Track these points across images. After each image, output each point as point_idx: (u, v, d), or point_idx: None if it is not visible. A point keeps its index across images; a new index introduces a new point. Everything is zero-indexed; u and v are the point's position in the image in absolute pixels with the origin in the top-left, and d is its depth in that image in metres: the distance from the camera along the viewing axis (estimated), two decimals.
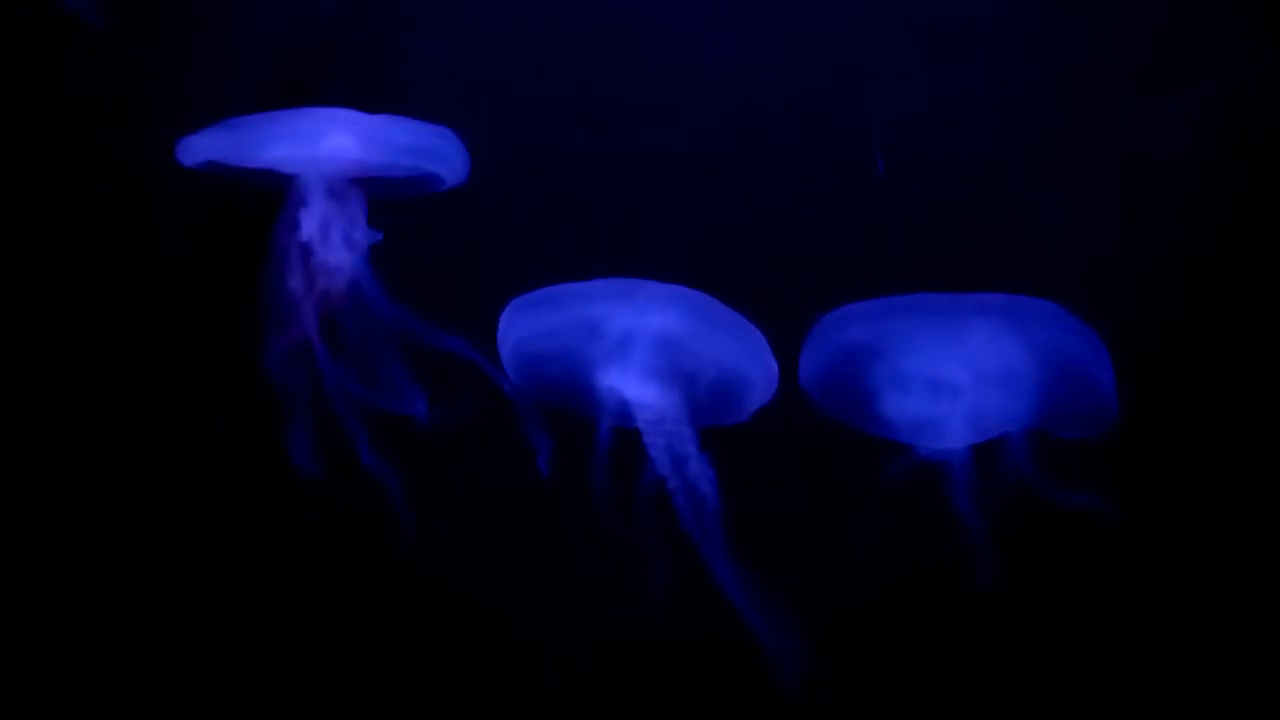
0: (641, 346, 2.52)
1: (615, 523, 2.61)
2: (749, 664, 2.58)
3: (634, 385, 2.55)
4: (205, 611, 2.81)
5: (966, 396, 2.45)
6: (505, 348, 2.63)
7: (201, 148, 2.70)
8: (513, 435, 2.71)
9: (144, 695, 2.81)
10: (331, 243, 2.73)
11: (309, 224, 2.73)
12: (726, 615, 2.60)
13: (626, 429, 2.61)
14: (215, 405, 2.81)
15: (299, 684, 2.80)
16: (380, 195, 2.74)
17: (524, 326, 2.58)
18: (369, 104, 2.68)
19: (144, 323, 2.84)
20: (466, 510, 2.76)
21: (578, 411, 2.62)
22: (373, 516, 2.73)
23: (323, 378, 2.74)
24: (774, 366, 2.54)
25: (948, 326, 2.44)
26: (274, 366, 2.73)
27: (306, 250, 2.74)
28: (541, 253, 2.76)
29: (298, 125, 2.69)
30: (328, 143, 2.66)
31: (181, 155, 2.71)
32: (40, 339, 2.84)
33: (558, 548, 2.73)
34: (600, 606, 2.71)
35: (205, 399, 2.83)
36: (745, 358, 2.52)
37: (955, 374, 2.45)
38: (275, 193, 2.74)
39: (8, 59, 2.80)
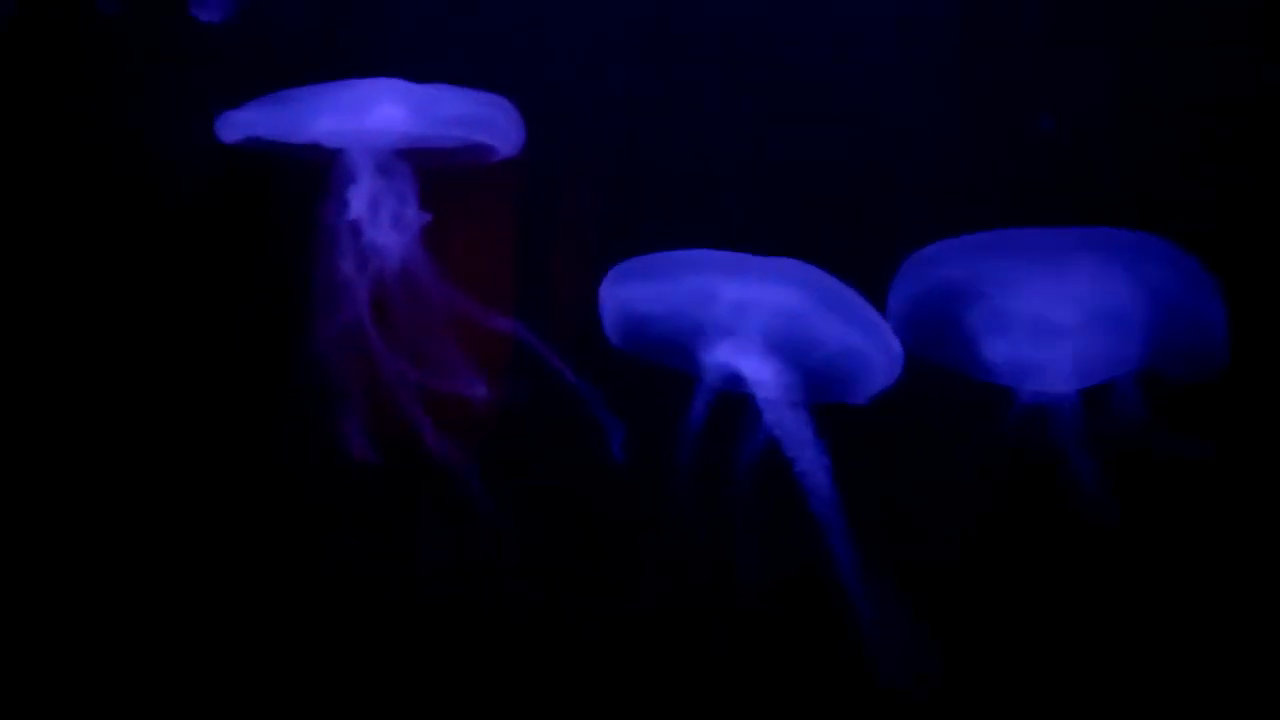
0: (758, 320, 2.38)
1: (701, 500, 2.44)
2: (845, 643, 2.40)
3: (747, 360, 2.40)
4: (271, 604, 2.62)
5: (1072, 337, 2.31)
6: (610, 311, 2.48)
7: (244, 122, 2.57)
8: (577, 417, 2.55)
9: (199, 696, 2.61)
10: (381, 222, 2.57)
11: (358, 202, 2.57)
12: (822, 594, 2.43)
13: (717, 405, 2.46)
14: (264, 393, 2.63)
15: (384, 671, 2.60)
16: (429, 166, 2.61)
17: (633, 293, 2.44)
18: (417, 73, 2.57)
19: (182, 308, 2.68)
20: (538, 494, 2.58)
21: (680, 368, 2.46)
22: (441, 501, 2.55)
23: (376, 362, 2.57)
24: (897, 348, 2.38)
25: (1049, 263, 2.30)
26: (324, 350, 2.56)
27: (356, 230, 2.58)
28: (598, 225, 2.62)
29: (345, 97, 2.56)
30: (377, 114, 2.53)
31: (222, 131, 2.57)
32: (72, 325, 2.69)
33: (633, 529, 2.56)
34: (684, 591, 2.53)
35: (252, 388, 2.65)
36: (864, 338, 2.36)
37: (1060, 313, 2.31)
38: (319, 169, 2.59)
39: (35, 48, 2.63)
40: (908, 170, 2.55)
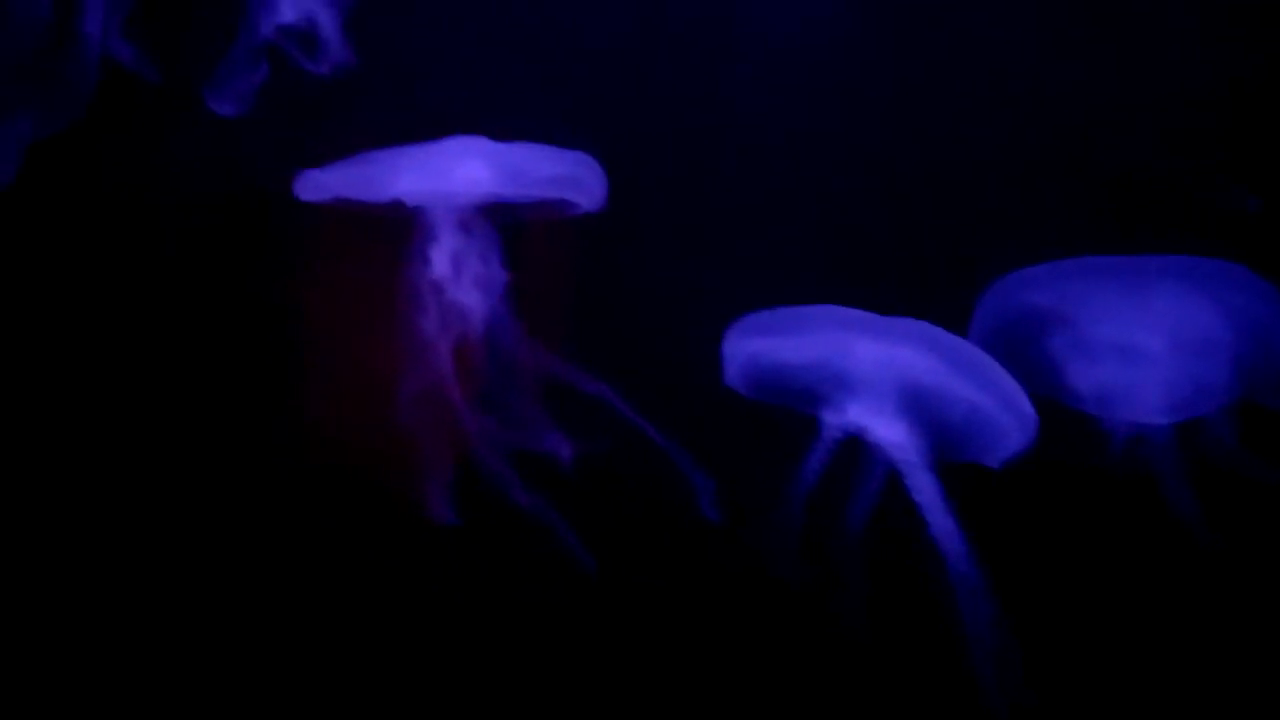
0: (891, 381, 2.37)
1: (809, 558, 2.42)
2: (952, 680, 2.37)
3: (877, 419, 2.39)
4: (358, 667, 2.55)
5: (1160, 364, 2.33)
6: (737, 363, 2.46)
7: (325, 183, 2.57)
8: (665, 475, 2.53)
9: None
10: (464, 282, 2.58)
11: (440, 260, 2.57)
12: (923, 641, 2.41)
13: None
14: (354, 453, 2.60)
15: None
16: (509, 219, 2.62)
17: (763, 347, 2.42)
18: (499, 127, 2.58)
19: (274, 368, 2.66)
20: (631, 552, 2.55)
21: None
22: (533, 560, 2.52)
23: (460, 421, 2.55)
24: (1030, 412, 2.34)
25: (1135, 289, 2.33)
26: (408, 410, 2.54)
27: (438, 289, 2.58)
28: (682, 280, 2.63)
29: (428, 156, 2.57)
30: (460, 174, 2.53)
31: (302, 190, 2.57)
32: (150, 376, 2.67)
33: (734, 587, 2.53)
34: (786, 648, 2.49)
35: (345, 448, 2.62)
36: (996, 401, 2.34)
37: (1146, 340, 2.33)
38: (399, 224, 2.60)
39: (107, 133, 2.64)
40: (988, 198, 2.57)
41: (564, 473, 2.55)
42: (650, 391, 2.56)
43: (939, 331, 2.35)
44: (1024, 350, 2.40)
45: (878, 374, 2.37)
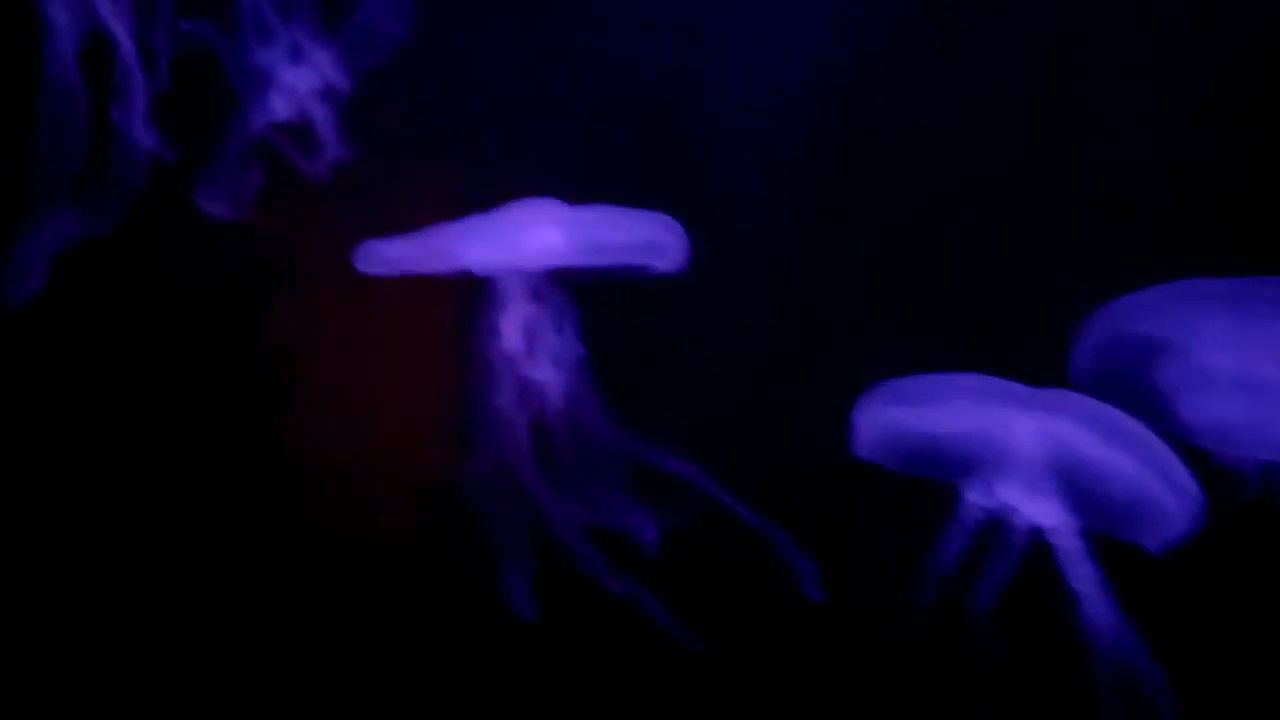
0: (1046, 456, 2.20)
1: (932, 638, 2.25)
2: None
3: (1026, 497, 2.22)
4: None
5: None
6: (874, 432, 2.27)
7: (389, 255, 2.41)
8: (760, 556, 2.37)
9: None
10: (538, 356, 2.41)
11: (511, 332, 2.40)
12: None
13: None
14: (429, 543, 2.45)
15: None
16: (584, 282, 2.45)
17: (905, 418, 2.24)
18: (570, 191, 2.42)
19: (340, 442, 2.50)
20: (736, 634, 2.38)
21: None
22: (625, 648, 2.36)
23: (536, 503, 2.38)
24: (1194, 490, 2.13)
25: (1250, 315, 2.13)
26: (478, 493, 2.38)
27: (511, 362, 2.42)
28: (763, 345, 2.47)
29: (498, 226, 2.41)
30: (533, 242, 2.38)
31: (364, 262, 2.41)
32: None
33: (847, 672, 2.36)
34: None
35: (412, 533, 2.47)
36: (1158, 479, 2.14)
37: (1266, 370, 2.14)
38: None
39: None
40: (1084, 226, 2.42)
41: (650, 556, 2.37)
42: (741, 466, 2.40)
43: (1094, 402, 2.17)
44: (1129, 383, 2.21)
45: (1034, 448, 2.19)
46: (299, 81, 2.40)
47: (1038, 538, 2.18)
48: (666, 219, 2.40)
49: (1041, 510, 2.18)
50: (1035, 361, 2.23)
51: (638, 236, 2.39)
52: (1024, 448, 2.19)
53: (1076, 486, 2.17)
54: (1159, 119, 2.43)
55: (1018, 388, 2.18)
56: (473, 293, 2.42)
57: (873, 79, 2.50)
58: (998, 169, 2.46)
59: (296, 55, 2.40)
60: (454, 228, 2.40)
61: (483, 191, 2.43)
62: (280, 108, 2.40)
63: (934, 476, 2.24)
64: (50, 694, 2.43)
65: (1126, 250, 2.39)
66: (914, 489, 2.23)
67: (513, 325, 2.42)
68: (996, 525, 2.21)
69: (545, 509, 2.39)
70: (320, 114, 2.42)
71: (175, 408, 2.53)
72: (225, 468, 2.51)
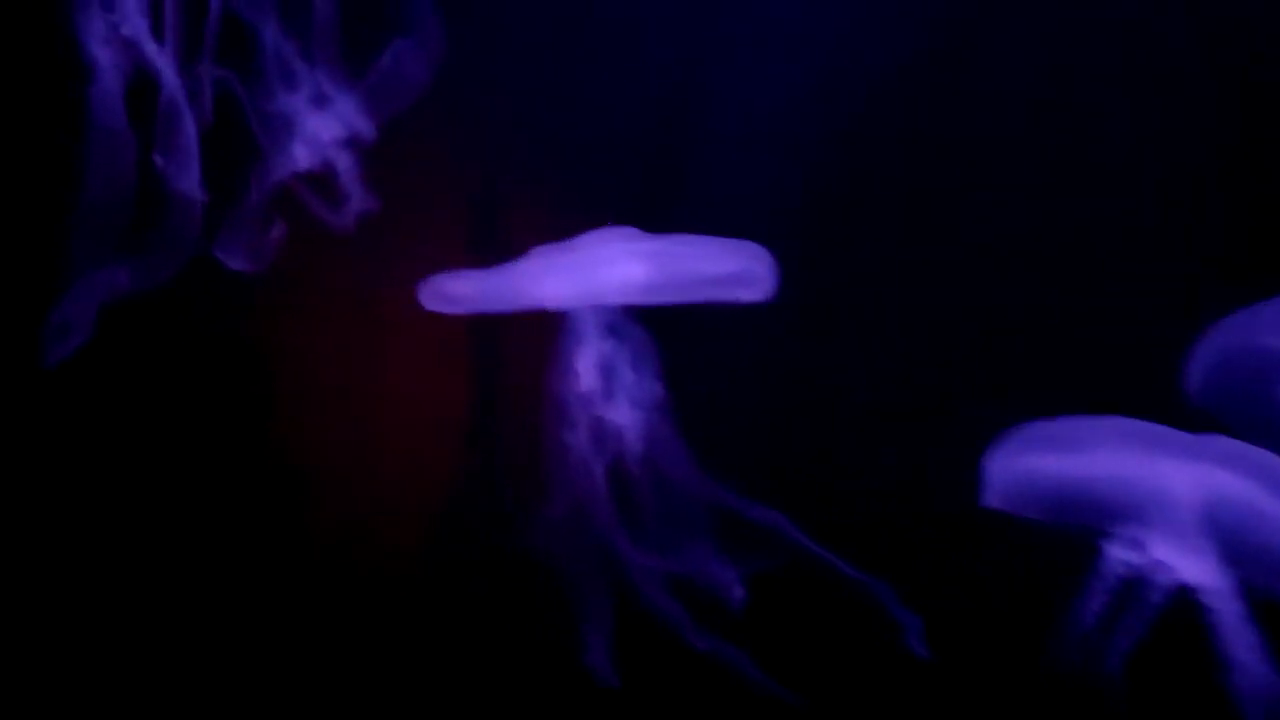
0: (1204, 508, 2.01)
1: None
2: None
3: (1180, 552, 2.03)
4: None
5: None
6: (1003, 483, 2.10)
7: (459, 293, 2.25)
8: (850, 609, 2.20)
9: None
10: (615, 396, 2.25)
11: (587, 371, 2.25)
12: None
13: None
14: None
15: None
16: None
17: (1048, 466, 2.07)
18: (652, 220, 2.27)
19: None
20: (836, 691, 2.22)
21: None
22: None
23: (614, 553, 2.22)
24: None
25: None
26: (552, 541, 2.22)
27: (586, 402, 2.26)
28: (870, 382, 2.30)
29: (575, 258, 2.25)
30: (612, 276, 2.22)
31: (429, 301, 2.26)
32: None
33: None
34: None
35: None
36: None
37: None
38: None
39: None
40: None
41: (737, 612, 2.21)
42: (837, 514, 2.27)
43: (1248, 447, 1.99)
44: (1248, 397, 2.03)
45: (1189, 498, 2.00)
46: (322, 129, 2.22)
47: (1186, 596, 2.00)
48: (754, 246, 2.24)
49: (1194, 566, 2.00)
50: (1166, 401, 2.04)
51: (724, 268, 2.23)
52: (1178, 497, 2.00)
53: (1233, 538, 1.99)
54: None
55: (1167, 431, 2.01)
56: (543, 327, 2.25)
57: (978, 116, 2.32)
58: (1119, 195, 2.28)
59: (320, 101, 2.24)
60: (527, 262, 2.26)
61: (550, 224, 2.29)
62: (303, 157, 2.22)
63: (1070, 528, 2.06)
64: (62, 703, 2.35)
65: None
66: (1045, 540, 2.05)
67: (588, 363, 2.27)
68: (1140, 582, 2.03)
69: (624, 559, 2.25)
70: (344, 163, 2.26)
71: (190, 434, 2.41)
72: (229, 472, 2.40)
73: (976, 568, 2.23)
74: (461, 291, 2.25)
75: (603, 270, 2.23)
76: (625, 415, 2.28)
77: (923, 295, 2.33)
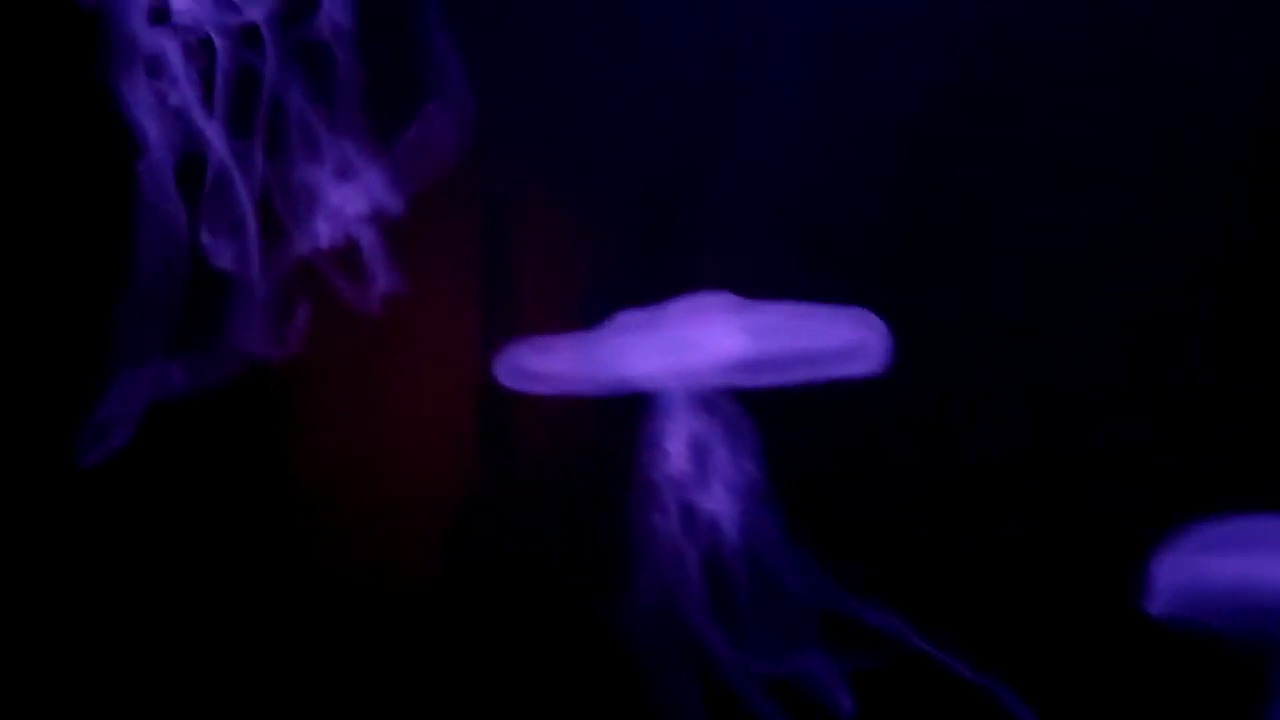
0: None
1: None
2: None
3: None
4: None
5: None
6: (1175, 587, 1.90)
7: (540, 371, 2.11)
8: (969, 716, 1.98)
9: None
10: (709, 480, 2.05)
11: (678, 452, 2.09)
12: None
13: None
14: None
15: None
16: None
17: (1230, 567, 1.89)
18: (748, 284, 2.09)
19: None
20: None
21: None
22: None
23: (707, 652, 2.05)
24: None
25: None
26: (640, 637, 2.01)
27: (677, 486, 2.05)
28: (994, 466, 2.09)
29: (665, 326, 2.09)
30: (708, 349, 2.06)
31: (504, 376, 2.11)
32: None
33: None
34: None
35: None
36: None
37: None
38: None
39: None
40: None
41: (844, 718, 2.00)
42: (957, 612, 2.06)
43: None
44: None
45: None
46: (347, 203, 2.06)
47: None
48: (865, 314, 2.07)
49: None
50: None
51: (833, 339, 2.07)
52: None
53: None
54: None
55: None
56: (631, 405, 2.11)
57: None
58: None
59: (345, 173, 2.10)
60: (612, 333, 2.11)
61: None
62: (326, 233, 2.07)
63: (1245, 639, 1.83)
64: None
65: None
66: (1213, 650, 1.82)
67: (680, 444, 2.10)
68: None
69: (718, 658, 2.07)
70: (369, 239, 2.11)
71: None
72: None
73: (1120, 678, 2.00)
74: (543, 368, 2.05)
75: (696, 342, 2.07)
76: (720, 502, 2.10)
77: (1061, 365, 2.11)
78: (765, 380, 2.08)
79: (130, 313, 1.98)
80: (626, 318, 2.11)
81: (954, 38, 2.14)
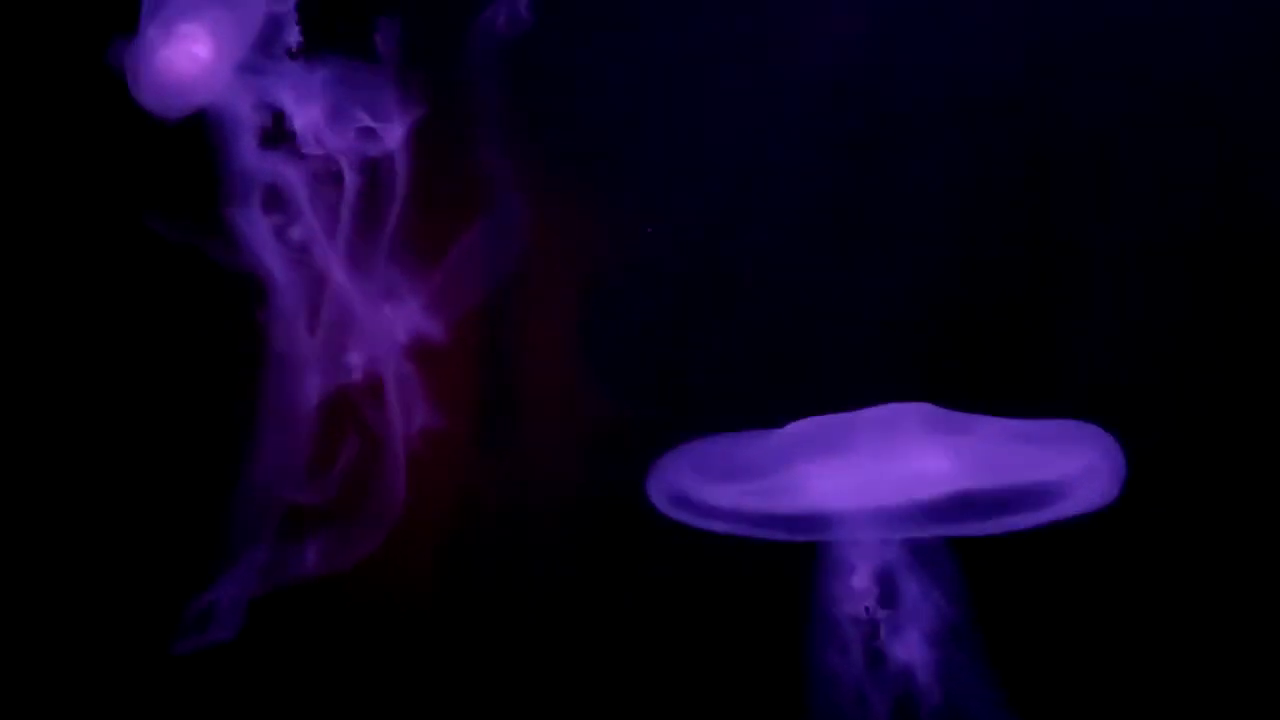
0: None
1: None
2: None
3: None
4: None
5: None
6: None
7: (704, 500, 1.82)
8: None
9: None
10: (902, 624, 1.81)
11: (866, 593, 1.82)
12: None
13: None
14: None
15: None
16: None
17: None
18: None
19: None
20: None
21: None
22: None
23: None
24: None
25: None
26: None
27: (865, 631, 1.79)
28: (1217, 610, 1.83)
29: (852, 446, 1.78)
30: (906, 470, 1.76)
31: (660, 502, 1.86)
32: None
33: None
34: None
35: None
36: None
37: None
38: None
39: None
40: None
41: None
42: None
43: None
44: None
45: None
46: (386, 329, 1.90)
47: None
48: (1091, 429, 1.77)
49: None
50: None
51: (1057, 462, 1.75)
52: None
53: None
54: None
55: None
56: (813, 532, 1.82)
57: None
58: None
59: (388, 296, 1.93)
60: (789, 448, 1.82)
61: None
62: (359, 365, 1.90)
63: None
64: None
65: None
66: None
67: (868, 583, 1.83)
68: None
69: None
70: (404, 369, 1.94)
71: None
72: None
73: None
74: (709, 497, 1.74)
75: (890, 462, 1.78)
76: (914, 648, 1.82)
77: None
78: (974, 513, 1.76)
79: (253, 490, 1.71)
80: (804, 428, 1.80)
81: None
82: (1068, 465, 1.71)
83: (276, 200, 1.79)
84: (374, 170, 1.86)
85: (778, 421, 1.80)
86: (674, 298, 1.97)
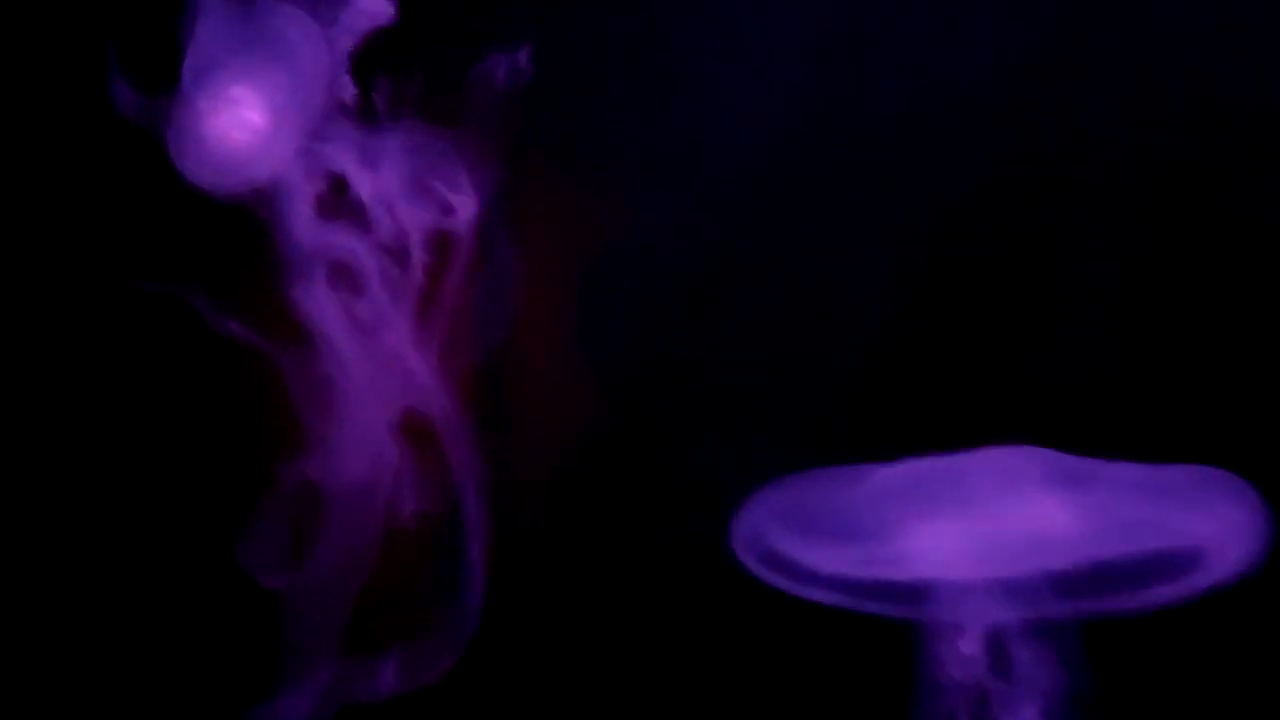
0: None
1: None
2: None
3: None
4: None
5: None
6: None
7: (800, 560, 1.65)
8: None
9: None
10: (1015, 697, 1.65)
11: (973, 660, 1.65)
12: None
13: None
14: None
15: None
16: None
17: None
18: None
19: None
20: None
21: None
22: None
23: None
24: None
25: None
26: None
27: (974, 704, 1.66)
28: None
29: (964, 495, 1.61)
30: (1018, 524, 1.59)
31: (752, 560, 1.68)
32: None
33: None
34: None
35: None
36: None
37: None
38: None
39: None
40: None
41: None
42: None
43: None
44: None
45: None
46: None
47: None
48: (1227, 477, 1.59)
49: None
50: None
51: (1193, 521, 1.56)
52: None
53: None
54: None
55: None
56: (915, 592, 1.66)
57: None
58: None
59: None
60: (889, 495, 1.65)
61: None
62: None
63: None
64: None
65: None
66: None
67: (975, 651, 1.67)
68: None
69: None
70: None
71: None
72: None
73: None
74: (806, 557, 1.58)
75: (1013, 524, 1.60)
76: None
77: None
78: (1094, 568, 1.59)
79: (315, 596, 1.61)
80: (905, 476, 1.63)
81: None
82: (1205, 524, 1.52)
83: (342, 276, 1.67)
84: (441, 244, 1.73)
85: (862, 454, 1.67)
86: (718, 317, 1.86)
